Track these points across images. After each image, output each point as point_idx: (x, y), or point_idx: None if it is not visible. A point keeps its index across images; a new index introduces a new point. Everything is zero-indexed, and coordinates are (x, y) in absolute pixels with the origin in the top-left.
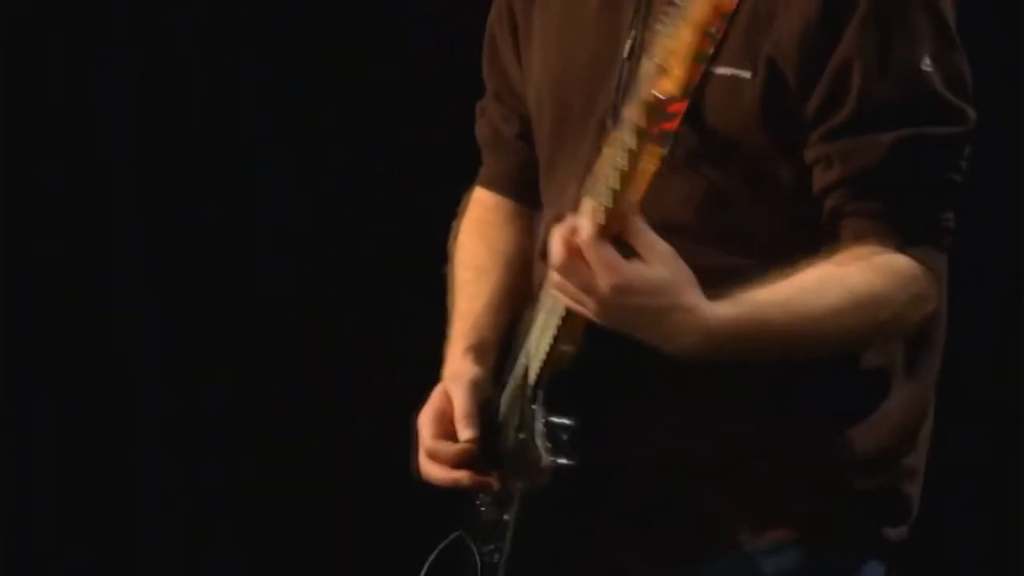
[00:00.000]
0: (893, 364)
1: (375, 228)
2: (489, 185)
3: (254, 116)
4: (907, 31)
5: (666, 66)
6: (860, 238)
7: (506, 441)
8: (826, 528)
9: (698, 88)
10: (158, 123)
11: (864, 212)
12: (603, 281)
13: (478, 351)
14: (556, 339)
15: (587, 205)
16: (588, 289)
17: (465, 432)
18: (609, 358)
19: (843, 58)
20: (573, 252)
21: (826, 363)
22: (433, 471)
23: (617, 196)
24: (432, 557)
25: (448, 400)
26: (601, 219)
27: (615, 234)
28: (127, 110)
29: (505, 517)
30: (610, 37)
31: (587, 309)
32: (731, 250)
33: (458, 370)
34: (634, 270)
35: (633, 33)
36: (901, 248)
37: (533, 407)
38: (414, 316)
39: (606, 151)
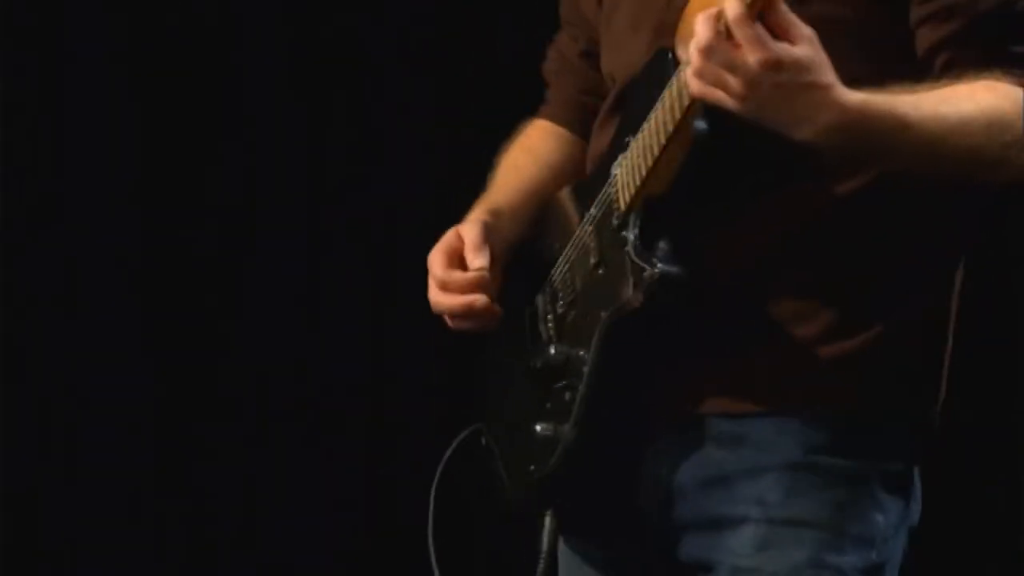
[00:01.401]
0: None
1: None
2: (544, 116)
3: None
4: None
5: None
6: (979, 76)
7: (578, 280)
8: (863, 399)
9: None
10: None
11: (985, 55)
12: (753, 57)
13: (492, 214)
14: (656, 163)
15: None
16: (734, 68)
17: (476, 260)
18: (701, 186)
19: None
20: (720, 32)
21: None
22: (444, 300)
23: None
24: (449, 452)
25: (459, 238)
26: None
27: (758, 16)
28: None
29: (581, 353)
30: None
31: (729, 91)
32: None
33: (467, 219)
34: (782, 46)
35: None
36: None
37: (624, 233)
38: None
39: None
